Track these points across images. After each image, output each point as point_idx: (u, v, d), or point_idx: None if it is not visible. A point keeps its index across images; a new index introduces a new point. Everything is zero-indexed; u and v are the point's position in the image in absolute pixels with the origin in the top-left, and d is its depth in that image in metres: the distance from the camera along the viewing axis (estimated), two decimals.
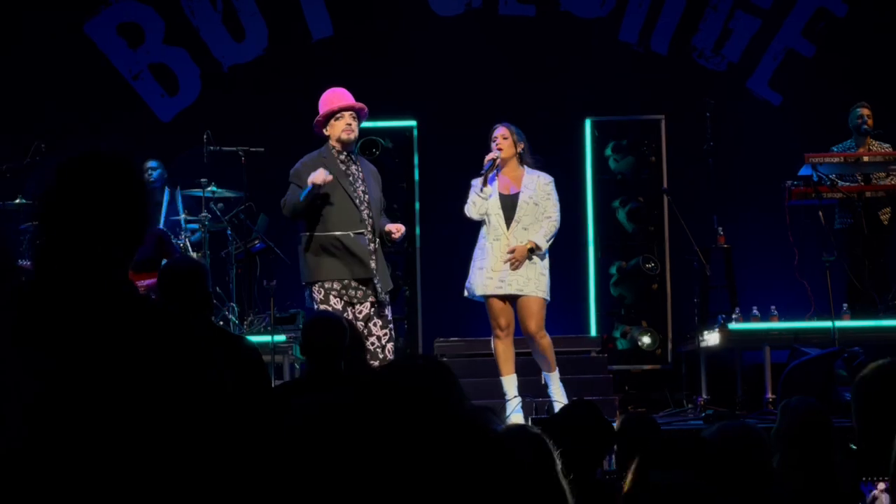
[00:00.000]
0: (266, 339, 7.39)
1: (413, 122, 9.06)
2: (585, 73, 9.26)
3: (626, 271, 8.96)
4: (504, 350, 6.57)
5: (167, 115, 9.36)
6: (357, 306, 6.23)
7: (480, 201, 6.53)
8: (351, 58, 9.21)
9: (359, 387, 1.02)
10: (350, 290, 6.23)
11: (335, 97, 6.41)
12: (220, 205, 8.29)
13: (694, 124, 8.58)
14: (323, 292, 6.21)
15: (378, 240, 6.35)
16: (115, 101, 9.18)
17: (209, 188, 8.09)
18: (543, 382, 6.69)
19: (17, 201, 7.59)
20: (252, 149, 8.29)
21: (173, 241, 7.98)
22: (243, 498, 1.67)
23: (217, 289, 8.13)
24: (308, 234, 6.30)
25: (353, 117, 6.36)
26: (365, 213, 6.30)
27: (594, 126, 9.15)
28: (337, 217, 6.23)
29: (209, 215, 8.16)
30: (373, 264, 6.26)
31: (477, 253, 6.61)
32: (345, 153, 6.37)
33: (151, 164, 8.52)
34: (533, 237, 6.49)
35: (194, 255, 8.03)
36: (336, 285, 6.22)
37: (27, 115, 8.84)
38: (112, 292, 1.83)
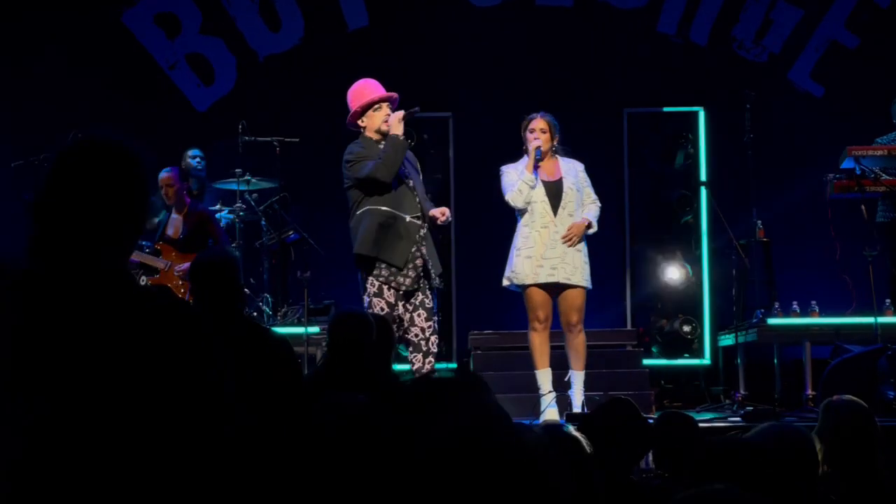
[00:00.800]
0: (300, 330, 7.38)
1: (449, 113, 9.00)
2: (623, 65, 9.17)
3: (663, 264, 8.88)
4: (541, 343, 6.51)
5: (203, 105, 9.36)
6: (405, 301, 6.16)
7: (527, 189, 6.47)
8: (387, 48, 9.17)
9: (383, 398, 0.96)
10: (400, 277, 6.16)
11: (368, 88, 6.35)
12: (255, 195, 8.28)
13: (733, 116, 8.44)
14: (377, 285, 6.15)
15: (427, 224, 6.31)
16: (151, 90, 9.19)
17: (244, 178, 8.08)
18: (567, 378, 6.58)
19: None
20: (287, 139, 8.27)
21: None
22: (253, 498, 1.62)
23: (251, 280, 8.13)
24: (371, 208, 6.16)
25: (389, 107, 6.33)
26: (416, 199, 6.28)
27: (632, 118, 9.07)
28: (395, 200, 6.17)
29: (243, 206, 8.16)
30: (424, 249, 6.23)
31: (520, 241, 6.52)
32: (383, 143, 6.33)
33: (198, 152, 8.53)
34: (585, 216, 6.47)
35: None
36: (391, 277, 6.13)
37: (64, 104, 8.86)
38: (106, 285, 1.77)
